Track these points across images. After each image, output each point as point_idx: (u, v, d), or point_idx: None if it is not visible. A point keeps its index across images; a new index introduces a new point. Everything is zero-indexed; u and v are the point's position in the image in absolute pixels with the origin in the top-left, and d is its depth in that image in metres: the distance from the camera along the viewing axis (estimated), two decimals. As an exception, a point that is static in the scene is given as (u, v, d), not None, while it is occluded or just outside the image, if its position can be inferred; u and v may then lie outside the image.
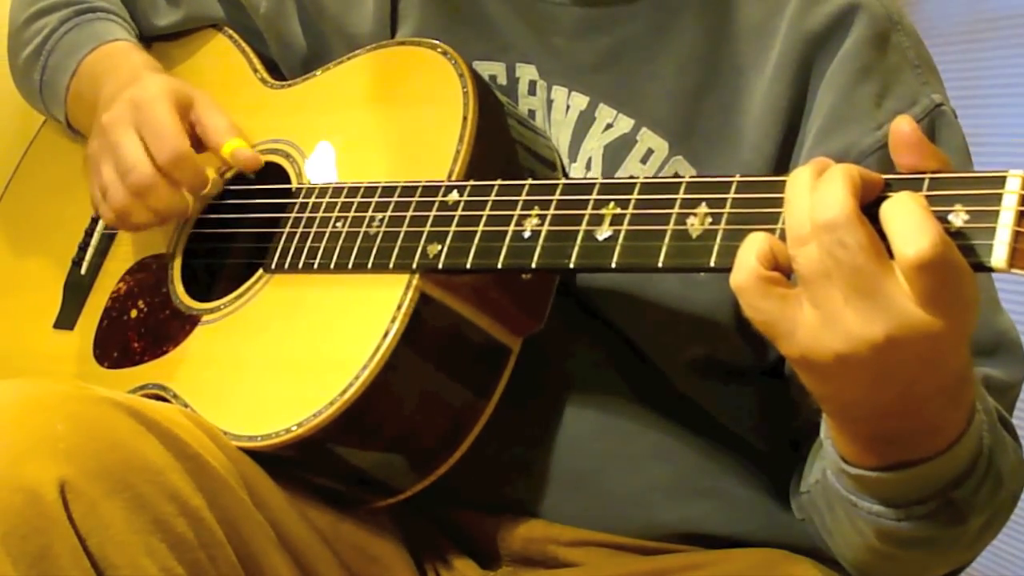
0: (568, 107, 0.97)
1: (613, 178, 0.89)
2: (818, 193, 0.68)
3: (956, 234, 0.66)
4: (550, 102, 0.98)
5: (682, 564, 0.93)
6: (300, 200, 0.96)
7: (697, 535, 0.96)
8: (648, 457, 0.96)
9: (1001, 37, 1.93)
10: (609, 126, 0.96)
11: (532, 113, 0.98)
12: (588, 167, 0.96)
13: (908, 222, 0.65)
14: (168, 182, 0.99)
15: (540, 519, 0.96)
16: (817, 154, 0.79)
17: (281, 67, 1.11)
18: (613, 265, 0.78)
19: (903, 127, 0.69)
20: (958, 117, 0.95)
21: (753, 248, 0.69)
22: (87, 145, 1.06)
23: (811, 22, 0.92)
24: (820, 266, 0.67)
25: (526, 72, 0.99)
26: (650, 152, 0.95)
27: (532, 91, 0.99)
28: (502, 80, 0.99)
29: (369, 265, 0.89)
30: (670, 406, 0.96)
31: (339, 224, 0.92)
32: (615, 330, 0.95)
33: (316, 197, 0.95)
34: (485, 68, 0.98)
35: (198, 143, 1.03)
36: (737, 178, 0.74)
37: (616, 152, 0.95)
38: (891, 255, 0.66)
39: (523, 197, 0.84)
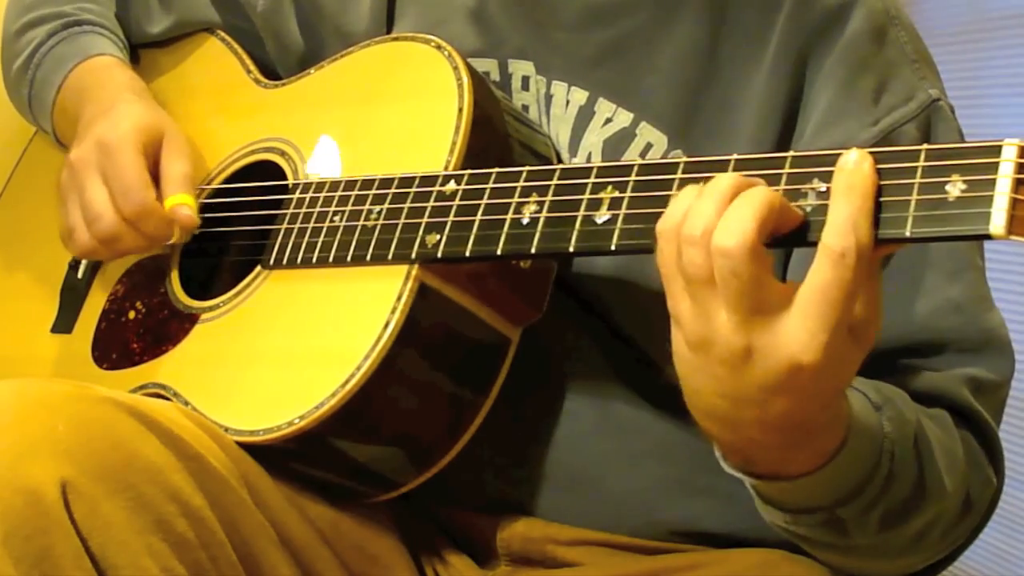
0: (568, 102, 0.97)
1: (610, 162, 0.89)
2: (728, 215, 0.70)
3: (954, 203, 0.67)
4: (549, 97, 0.98)
5: (682, 564, 0.93)
6: (297, 196, 0.96)
7: (695, 533, 0.96)
8: (646, 456, 0.96)
9: (1001, 37, 1.94)
10: (608, 120, 0.96)
11: (526, 108, 0.99)
12: (588, 162, 0.96)
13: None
14: (133, 231, 0.99)
15: (539, 518, 0.96)
16: (815, 148, 0.79)
17: (278, 67, 1.11)
18: (613, 247, 0.78)
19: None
20: (956, 114, 0.96)
21: (685, 204, 0.71)
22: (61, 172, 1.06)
23: (809, 16, 0.93)
24: (704, 273, 0.70)
25: (519, 68, 0.99)
26: (649, 146, 0.95)
27: (525, 87, 0.99)
28: (495, 76, 1.00)
29: (368, 257, 0.89)
30: (668, 404, 0.95)
31: (337, 218, 0.92)
32: (613, 327, 0.95)
33: (313, 192, 0.95)
34: (478, 65, 0.98)
35: None
36: (734, 157, 0.75)
37: (615, 146, 0.96)
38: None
39: (521, 184, 0.84)
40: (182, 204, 0.99)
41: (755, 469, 0.78)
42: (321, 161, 0.98)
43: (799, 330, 0.69)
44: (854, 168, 0.69)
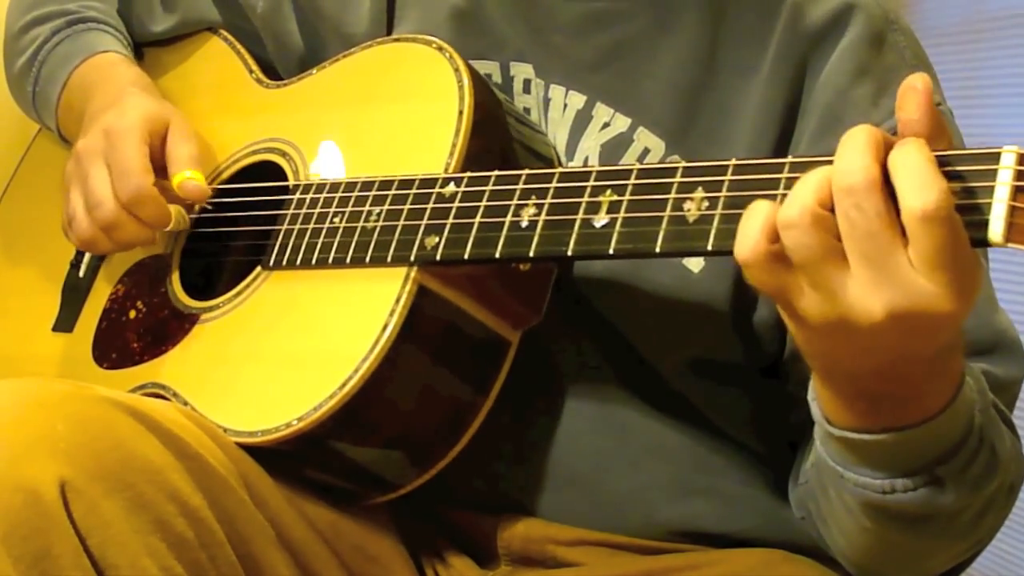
0: (565, 106, 0.97)
1: (609, 165, 0.89)
2: (841, 155, 0.68)
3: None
4: (547, 100, 0.98)
5: (681, 564, 0.94)
6: (297, 196, 0.96)
7: (695, 533, 0.96)
8: (646, 456, 0.96)
9: (1001, 37, 1.94)
10: (606, 125, 0.96)
11: (528, 111, 0.99)
12: (585, 166, 0.95)
13: (916, 174, 0.66)
14: (132, 218, 0.99)
15: (539, 518, 0.96)
16: (813, 154, 0.79)
17: (278, 67, 1.11)
18: (611, 251, 0.78)
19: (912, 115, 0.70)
20: (955, 117, 0.96)
21: (757, 222, 0.70)
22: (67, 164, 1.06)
23: (807, 22, 0.93)
24: (818, 249, 0.67)
25: (521, 70, 0.99)
26: (646, 151, 0.95)
27: (527, 89, 0.99)
28: (497, 78, 1.00)
29: (367, 259, 0.89)
30: (667, 405, 0.96)
31: (336, 219, 0.92)
32: (611, 329, 0.95)
33: (313, 193, 0.95)
34: (480, 67, 0.98)
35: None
36: (733, 161, 0.75)
37: (613, 151, 0.95)
38: (898, 213, 0.66)
39: (520, 187, 0.84)
40: (190, 179, 0.99)
41: (874, 422, 0.75)
42: (322, 162, 0.98)
43: (929, 284, 0.66)
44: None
